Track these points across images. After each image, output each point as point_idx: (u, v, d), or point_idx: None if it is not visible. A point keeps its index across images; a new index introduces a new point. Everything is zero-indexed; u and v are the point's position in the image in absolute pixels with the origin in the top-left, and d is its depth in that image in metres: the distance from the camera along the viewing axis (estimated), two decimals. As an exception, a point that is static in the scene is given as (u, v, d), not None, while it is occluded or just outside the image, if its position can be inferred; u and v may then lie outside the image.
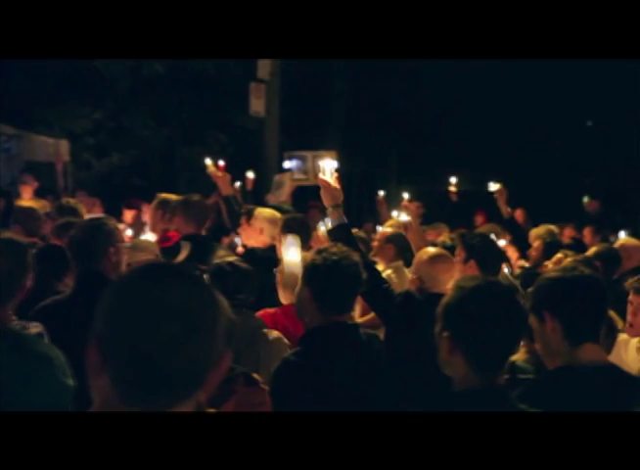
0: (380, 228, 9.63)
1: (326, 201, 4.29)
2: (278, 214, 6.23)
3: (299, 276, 3.68)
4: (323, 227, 4.96)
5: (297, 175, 9.96)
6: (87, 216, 6.65)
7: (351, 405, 3.20)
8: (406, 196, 7.92)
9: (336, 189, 4.25)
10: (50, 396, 2.72)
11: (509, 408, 2.37)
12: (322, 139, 16.75)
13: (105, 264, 4.04)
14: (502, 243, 6.44)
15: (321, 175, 4.29)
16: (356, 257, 3.51)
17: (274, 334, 4.16)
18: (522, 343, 3.69)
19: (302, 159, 10.04)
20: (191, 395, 1.52)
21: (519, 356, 3.73)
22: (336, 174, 4.29)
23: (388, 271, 6.38)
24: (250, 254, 5.78)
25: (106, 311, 1.52)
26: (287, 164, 10.12)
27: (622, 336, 4.64)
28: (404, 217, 6.24)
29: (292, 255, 4.23)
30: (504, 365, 2.48)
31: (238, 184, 8.82)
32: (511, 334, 2.47)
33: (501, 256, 5.26)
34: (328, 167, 4.27)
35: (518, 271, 6.69)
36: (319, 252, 3.50)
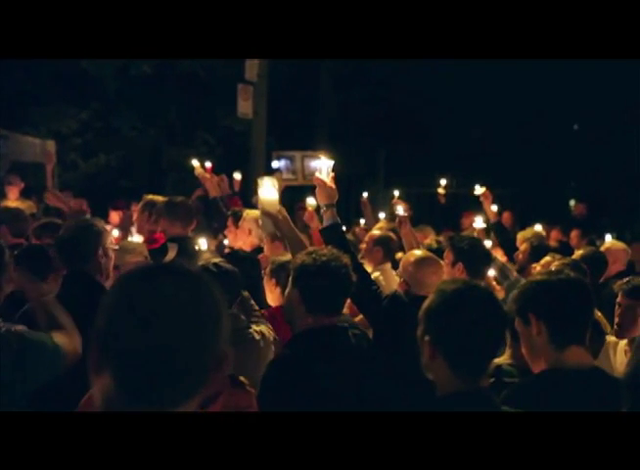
0: (362, 221, 9.67)
1: (321, 200, 4.29)
2: (266, 216, 6.23)
3: (275, 215, 3.66)
4: (313, 201, 4.91)
5: (286, 175, 9.94)
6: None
7: (339, 409, 3.18)
8: (397, 193, 7.95)
9: (331, 188, 4.25)
10: (43, 361, 2.73)
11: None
12: (309, 141, 16.75)
13: (93, 266, 4.02)
14: (488, 244, 6.46)
15: (317, 174, 4.28)
16: (346, 259, 3.49)
17: (259, 335, 4.15)
18: (508, 346, 3.70)
19: (291, 158, 10.03)
20: (195, 395, 1.51)
21: (504, 359, 3.72)
22: (332, 174, 4.28)
23: (376, 274, 6.39)
24: (232, 255, 5.77)
25: (109, 310, 1.52)
26: (275, 164, 10.09)
27: (611, 338, 4.66)
28: (401, 211, 6.25)
29: (267, 193, 4.14)
30: (486, 369, 2.48)
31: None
32: (492, 337, 2.46)
33: (489, 259, 5.27)
34: (324, 167, 4.26)
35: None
36: (309, 253, 3.47)
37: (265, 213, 4.11)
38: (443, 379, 2.42)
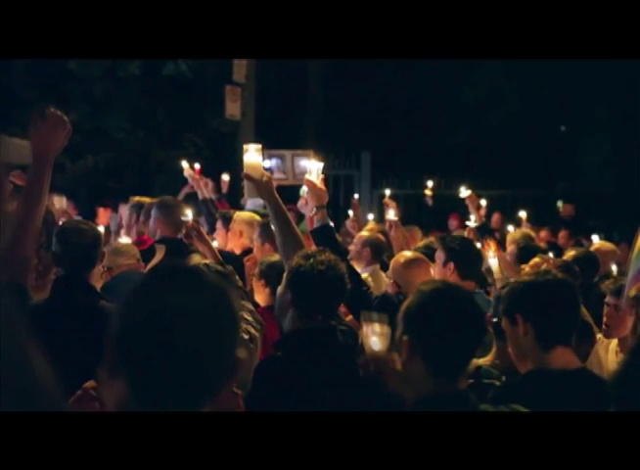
0: (350, 212, 9.72)
1: (311, 201, 4.28)
2: (257, 217, 6.25)
3: (257, 180, 3.66)
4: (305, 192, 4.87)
5: (277, 175, 9.88)
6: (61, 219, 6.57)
7: (330, 409, 3.17)
8: (387, 193, 7.95)
9: (321, 190, 4.23)
10: None
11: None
12: (297, 142, 16.73)
13: (90, 270, 4.01)
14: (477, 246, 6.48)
15: (307, 176, 4.26)
16: (343, 267, 3.44)
17: (247, 335, 4.14)
18: (493, 345, 3.70)
19: (281, 158, 9.99)
20: (210, 401, 1.51)
21: (489, 359, 3.72)
22: (322, 176, 4.26)
23: (365, 275, 6.38)
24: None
25: (126, 316, 1.50)
26: (266, 164, 10.04)
27: (602, 338, 4.68)
28: (392, 215, 6.25)
29: (251, 158, 4.06)
30: (464, 370, 2.48)
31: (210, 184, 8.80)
32: (470, 338, 2.47)
33: (480, 259, 5.28)
34: (314, 168, 4.25)
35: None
36: (306, 257, 3.40)
37: (247, 178, 4.01)
38: (420, 380, 2.42)
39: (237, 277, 4.40)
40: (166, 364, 1.46)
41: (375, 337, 2.66)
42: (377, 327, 2.54)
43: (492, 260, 5.88)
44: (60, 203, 7.16)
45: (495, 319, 3.50)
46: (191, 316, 1.48)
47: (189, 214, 5.48)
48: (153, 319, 1.47)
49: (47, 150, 3.15)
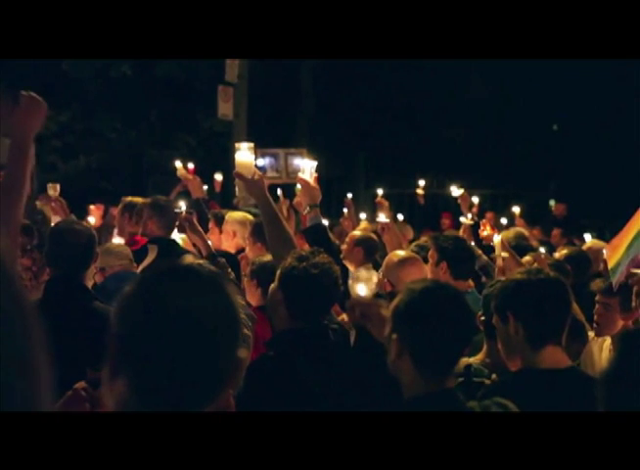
0: (345, 210, 9.73)
1: (304, 200, 4.27)
2: (249, 217, 6.25)
3: (247, 178, 3.66)
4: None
5: (270, 173, 9.87)
6: (54, 219, 6.56)
7: (323, 408, 3.17)
8: (380, 192, 7.96)
9: (315, 189, 4.22)
10: None
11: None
12: (290, 142, 16.72)
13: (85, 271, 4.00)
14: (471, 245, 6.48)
15: (300, 174, 4.25)
16: (336, 269, 3.42)
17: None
18: (484, 343, 3.71)
19: (274, 156, 9.98)
20: (212, 401, 1.51)
21: (479, 357, 3.73)
22: (315, 175, 4.25)
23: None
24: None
25: (128, 316, 1.50)
26: (260, 162, 10.02)
27: (596, 337, 4.69)
28: (383, 218, 6.25)
29: (243, 156, 4.02)
30: (452, 369, 2.48)
31: (205, 187, 8.78)
32: (459, 337, 2.47)
33: (473, 258, 5.29)
34: (308, 167, 4.24)
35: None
36: (300, 259, 3.37)
37: (238, 176, 3.97)
38: (409, 379, 2.42)
39: (229, 270, 4.39)
40: (167, 365, 1.46)
41: (361, 282, 2.65)
42: (363, 273, 2.53)
43: (496, 238, 5.86)
44: (54, 190, 7.16)
45: (483, 318, 3.51)
46: (192, 316, 1.48)
47: (182, 206, 5.50)
48: (153, 319, 1.47)
49: (25, 133, 3.08)
